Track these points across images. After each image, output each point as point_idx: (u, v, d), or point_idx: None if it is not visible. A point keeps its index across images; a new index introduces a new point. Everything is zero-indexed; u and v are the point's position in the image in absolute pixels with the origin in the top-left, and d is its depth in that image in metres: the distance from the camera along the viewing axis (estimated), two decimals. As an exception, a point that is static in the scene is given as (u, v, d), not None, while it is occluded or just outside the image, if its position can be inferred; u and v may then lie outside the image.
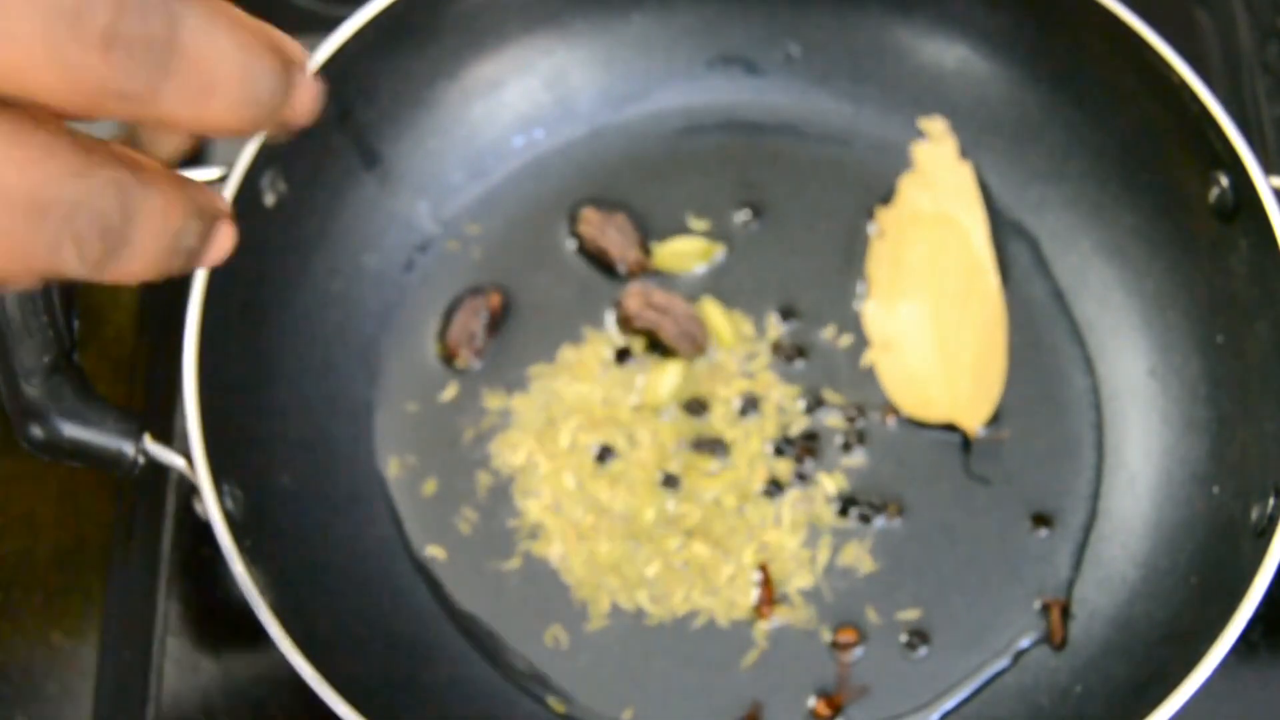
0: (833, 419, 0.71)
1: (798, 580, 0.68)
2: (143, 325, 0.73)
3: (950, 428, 0.70)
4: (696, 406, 0.71)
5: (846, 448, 0.70)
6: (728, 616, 0.67)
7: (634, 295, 0.71)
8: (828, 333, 0.72)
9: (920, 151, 0.75)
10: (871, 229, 0.74)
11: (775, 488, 0.69)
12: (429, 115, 0.74)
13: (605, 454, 0.70)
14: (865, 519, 0.69)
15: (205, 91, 0.33)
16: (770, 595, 0.67)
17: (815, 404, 0.71)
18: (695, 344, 0.71)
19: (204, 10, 0.33)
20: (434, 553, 0.68)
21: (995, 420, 0.70)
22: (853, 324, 0.73)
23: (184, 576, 0.69)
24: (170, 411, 0.71)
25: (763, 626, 0.67)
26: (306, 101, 0.37)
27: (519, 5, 0.74)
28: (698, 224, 0.75)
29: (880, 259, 0.73)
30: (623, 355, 0.72)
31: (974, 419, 0.70)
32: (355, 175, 0.72)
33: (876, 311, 0.72)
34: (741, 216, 0.75)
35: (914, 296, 0.73)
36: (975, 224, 0.74)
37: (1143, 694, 0.59)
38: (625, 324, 0.72)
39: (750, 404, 0.71)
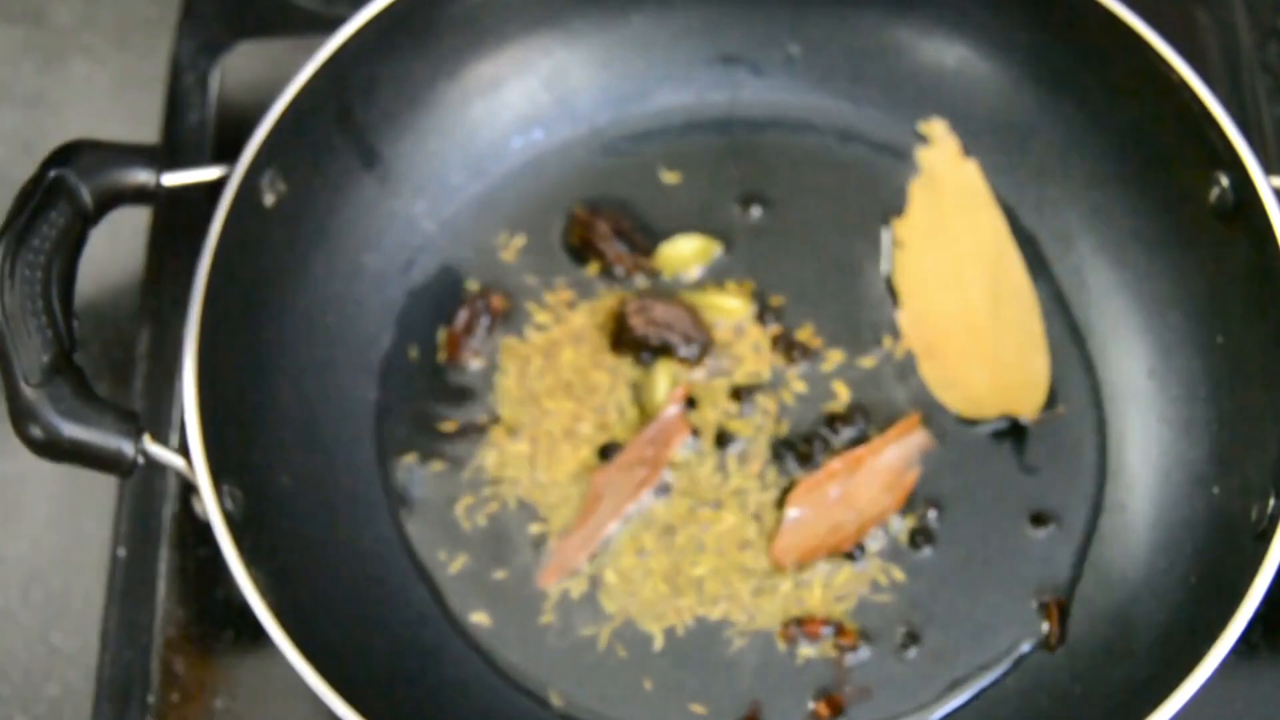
0: (833, 419, 0.71)
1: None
2: (143, 325, 0.73)
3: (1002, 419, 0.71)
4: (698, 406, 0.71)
5: (851, 447, 0.70)
6: (727, 616, 0.67)
7: (635, 313, 0.71)
8: (829, 331, 0.72)
9: (924, 156, 0.75)
10: (881, 233, 0.74)
11: (776, 489, 0.69)
12: (429, 115, 0.74)
13: (608, 451, 0.70)
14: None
15: None
16: (813, 621, 0.67)
17: (816, 405, 0.71)
18: (705, 349, 0.71)
19: None
20: (434, 553, 0.68)
21: (1048, 403, 0.71)
22: (853, 323, 0.73)
23: (184, 576, 0.69)
24: (170, 411, 0.71)
25: (754, 626, 0.67)
26: None
27: (519, 5, 0.74)
28: (697, 224, 0.75)
29: (904, 269, 0.73)
30: (621, 349, 0.72)
31: (1030, 406, 0.70)
32: (355, 175, 0.72)
33: (910, 321, 0.72)
34: (741, 216, 0.75)
35: (945, 300, 0.72)
36: (991, 217, 0.74)
37: (1143, 694, 0.59)
38: (632, 345, 0.71)
39: (751, 405, 0.71)
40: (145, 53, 0.81)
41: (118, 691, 0.67)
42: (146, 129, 0.78)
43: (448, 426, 0.71)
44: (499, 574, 0.68)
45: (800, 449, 0.70)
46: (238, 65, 0.80)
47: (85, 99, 0.80)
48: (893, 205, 0.75)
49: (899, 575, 0.68)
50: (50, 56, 0.82)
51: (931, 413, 0.71)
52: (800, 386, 0.71)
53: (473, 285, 0.73)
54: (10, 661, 0.68)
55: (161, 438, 0.59)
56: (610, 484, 0.69)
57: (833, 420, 0.70)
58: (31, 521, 0.71)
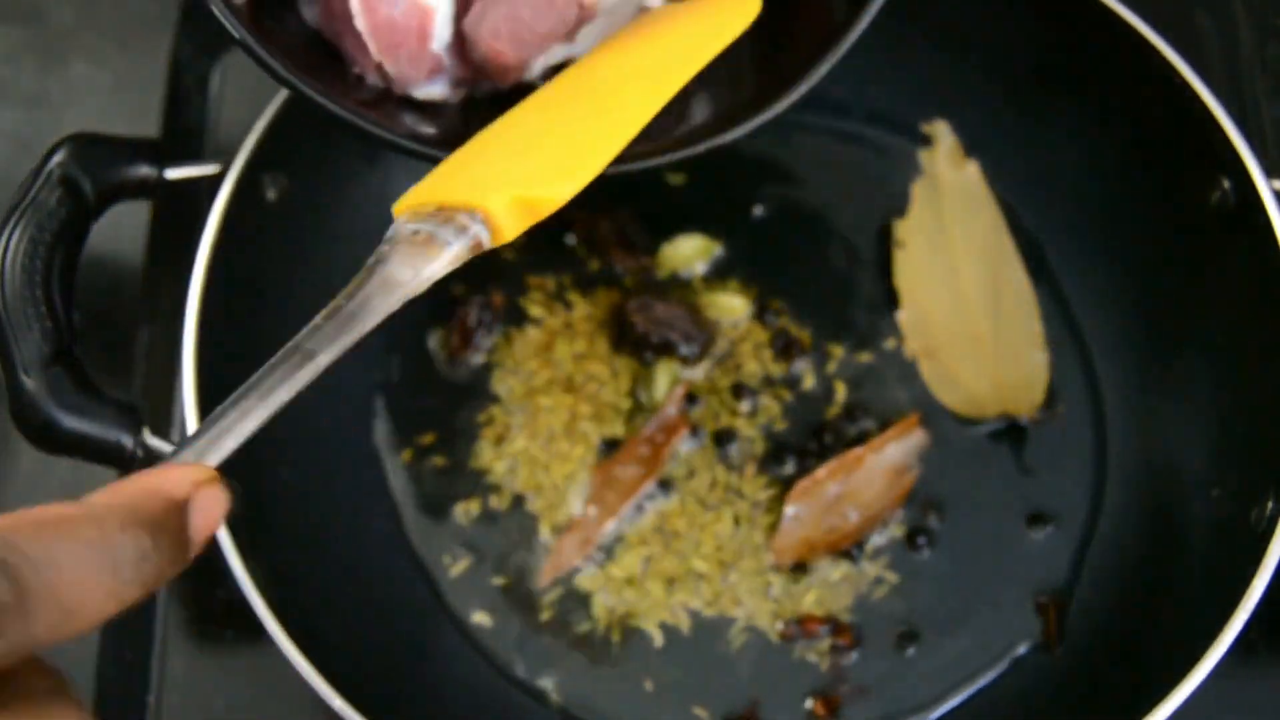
0: (833, 418, 0.71)
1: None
2: (143, 319, 0.73)
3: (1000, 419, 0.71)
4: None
5: (850, 446, 0.70)
6: (726, 614, 0.67)
7: (636, 312, 0.71)
8: (829, 331, 0.72)
9: (926, 156, 0.75)
10: (881, 233, 0.74)
11: (776, 487, 0.69)
12: (430, 113, 0.74)
13: (608, 449, 0.70)
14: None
15: (69, 613, 0.31)
16: (811, 620, 0.67)
17: (816, 404, 0.71)
18: (705, 348, 0.71)
19: (37, 538, 0.30)
20: (434, 551, 0.68)
21: (1047, 402, 0.71)
22: (853, 322, 0.73)
23: (184, 576, 0.69)
24: (169, 405, 0.71)
25: (740, 624, 0.67)
26: (208, 516, 0.35)
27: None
28: (698, 223, 0.75)
29: (904, 269, 0.73)
30: (622, 348, 0.72)
31: (1029, 406, 0.70)
32: (357, 171, 0.72)
33: (910, 321, 0.72)
34: (741, 216, 0.75)
35: (945, 300, 0.73)
36: (991, 217, 0.74)
37: (1143, 694, 0.59)
38: (633, 343, 0.71)
39: (751, 403, 0.71)
40: (145, 53, 0.81)
41: (118, 691, 0.67)
42: (146, 129, 0.78)
43: (448, 424, 0.71)
44: (499, 572, 0.68)
45: (800, 448, 0.70)
46: (238, 65, 0.80)
47: (85, 99, 0.80)
48: (893, 205, 0.75)
49: (897, 575, 0.68)
50: (50, 56, 0.81)
51: (931, 413, 0.71)
52: (800, 385, 0.71)
53: (473, 283, 0.73)
54: (9, 659, 0.68)
55: (161, 432, 0.59)
56: (610, 482, 0.69)
57: (833, 420, 0.70)
58: (30, 519, 0.71)
